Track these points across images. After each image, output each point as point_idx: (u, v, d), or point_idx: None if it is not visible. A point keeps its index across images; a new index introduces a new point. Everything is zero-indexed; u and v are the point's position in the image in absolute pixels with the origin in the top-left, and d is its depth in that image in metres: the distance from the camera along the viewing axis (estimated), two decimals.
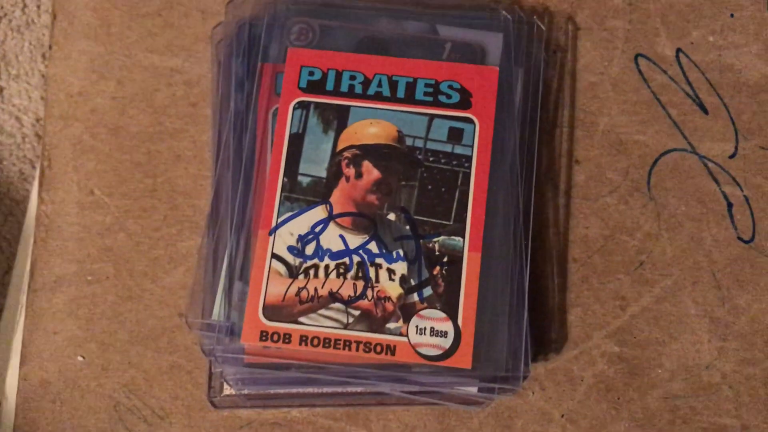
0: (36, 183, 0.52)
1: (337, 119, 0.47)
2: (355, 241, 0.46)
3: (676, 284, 0.48)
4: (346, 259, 0.46)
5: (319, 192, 0.46)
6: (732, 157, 0.50)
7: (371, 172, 0.47)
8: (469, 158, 0.47)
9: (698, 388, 0.47)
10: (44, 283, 0.49)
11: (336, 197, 0.46)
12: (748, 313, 0.48)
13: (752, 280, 0.48)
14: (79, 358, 0.49)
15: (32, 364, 0.49)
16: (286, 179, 0.47)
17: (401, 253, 0.46)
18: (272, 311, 0.45)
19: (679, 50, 0.51)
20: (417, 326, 0.45)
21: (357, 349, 0.44)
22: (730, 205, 0.49)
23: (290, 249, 0.46)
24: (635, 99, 0.51)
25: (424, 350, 0.44)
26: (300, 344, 0.44)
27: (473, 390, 0.45)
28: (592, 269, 0.49)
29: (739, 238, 0.49)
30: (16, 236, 0.53)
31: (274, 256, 0.46)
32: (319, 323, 0.45)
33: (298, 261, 0.46)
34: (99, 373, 0.48)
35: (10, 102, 0.53)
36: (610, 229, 0.49)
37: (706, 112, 0.50)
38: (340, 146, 0.47)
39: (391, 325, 0.45)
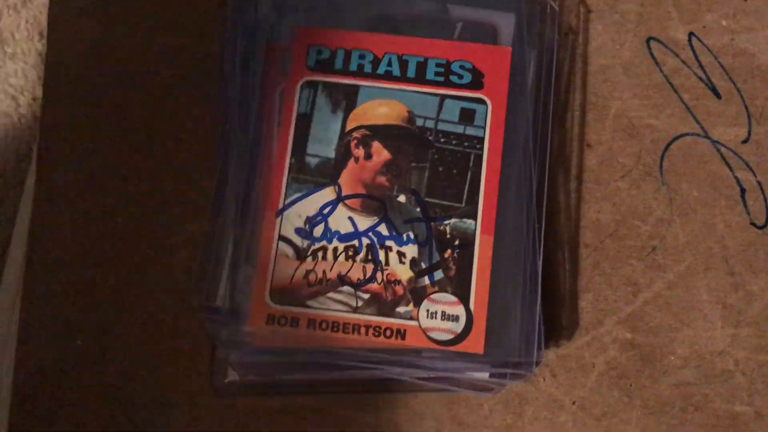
0: (33, 164, 0.51)
1: (345, 99, 0.46)
2: (364, 222, 0.45)
3: (689, 270, 0.48)
4: (355, 242, 0.45)
5: (328, 173, 0.45)
6: (745, 142, 0.49)
7: (381, 153, 0.46)
8: (481, 140, 0.46)
9: (711, 375, 0.47)
10: (42, 267, 0.48)
11: (345, 178, 0.45)
12: (762, 300, 0.47)
13: (765, 266, 0.48)
14: (78, 343, 0.47)
15: (29, 348, 0.47)
16: (293, 160, 0.45)
17: (412, 235, 0.45)
18: (279, 294, 0.44)
19: (691, 34, 0.50)
20: (428, 310, 0.44)
21: (366, 333, 0.43)
22: (743, 191, 0.49)
23: (298, 231, 0.45)
24: (647, 83, 0.50)
25: (435, 335, 0.43)
26: (308, 328, 0.43)
27: (484, 376, 0.44)
28: (604, 254, 0.48)
29: (752, 224, 0.48)
30: (13, 218, 0.52)
31: (282, 238, 0.44)
32: (327, 307, 0.44)
33: (306, 243, 0.44)
34: (98, 358, 0.47)
35: (7, 81, 0.52)
36: (621, 214, 0.48)
37: (718, 96, 0.50)
38: (349, 126, 0.46)
39: (401, 309, 0.44)
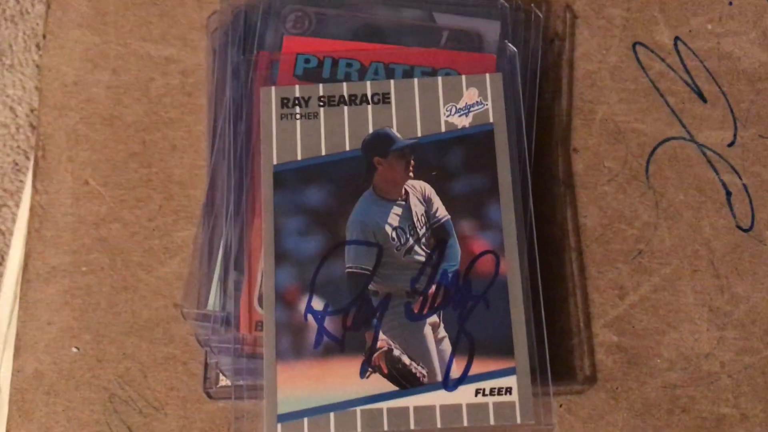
0: (30, 173, 0.52)
1: None
2: None
3: (675, 273, 0.48)
4: None
5: None
6: (731, 145, 0.49)
7: None
8: None
9: (697, 378, 0.47)
10: (38, 274, 0.49)
11: None
12: (747, 302, 0.48)
13: (751, 269, 0.48)
14: (74, 349, 0.48)
15: (26, 355, 0.48)
16: None
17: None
18: None
19: (677, 38, 0.51)
20: None
21: None
22: (728, 194, 0.49)
23: None
24: (633, 87, 0.50)
25: None
26: None
27: None
28: (591, 258, 0.48)
29: (738, 227, 0.49)
30: (11, 227, 0.53)
31: None
32: None
33: None
34: (94, 364, 0.48)
35: (4, 92, 0.53)
36: (608, 218, 0.49)
37: (704, 100, 0.50)
38: None
39: None
